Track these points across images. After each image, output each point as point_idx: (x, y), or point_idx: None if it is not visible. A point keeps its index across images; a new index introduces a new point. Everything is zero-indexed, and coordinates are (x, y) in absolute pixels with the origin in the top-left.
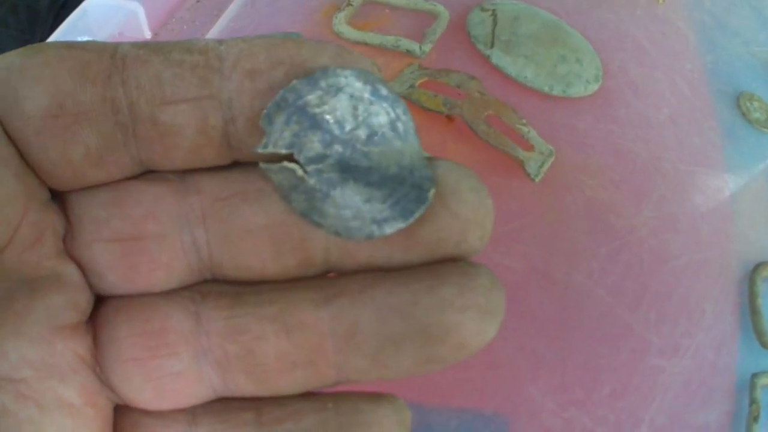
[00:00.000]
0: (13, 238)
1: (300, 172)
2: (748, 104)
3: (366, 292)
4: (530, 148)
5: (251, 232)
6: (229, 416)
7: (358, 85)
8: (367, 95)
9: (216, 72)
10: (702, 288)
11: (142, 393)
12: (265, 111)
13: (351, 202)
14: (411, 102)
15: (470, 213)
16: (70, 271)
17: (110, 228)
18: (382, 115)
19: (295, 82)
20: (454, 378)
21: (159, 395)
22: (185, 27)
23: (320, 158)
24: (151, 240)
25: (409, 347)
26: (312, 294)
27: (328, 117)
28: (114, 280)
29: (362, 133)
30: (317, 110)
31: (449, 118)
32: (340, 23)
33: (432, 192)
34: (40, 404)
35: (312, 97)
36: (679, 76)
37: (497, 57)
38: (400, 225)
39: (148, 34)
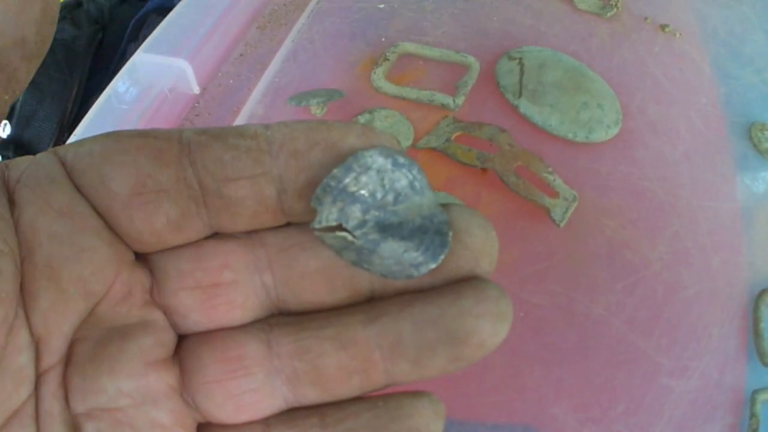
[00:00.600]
0: (107, 294)
1: (350, 238)
2: (760, 134)
3: (404, 311)
4: (555, 195)
5: (309, 275)
6: (298, 422)
7: (381, 160)
8: (389, 167)
9: (266, 153)
10: (710, 314)
11: (224, 409)
12: (314, 195)
13: (393, 254)
14: (448, 156)
15: (479, 245)
16: (156, 316)
17: (193, 278)
18: (403, 180)
19: (335, 171)
20: (487, 401)
21: (238, 409)
22: (231, 81)
23: (362, 224)
24: (227, 285)
25: (441, 350)
26: (360, 316)
27: (363, 192)
28: (197, 320)
29: (390, 198)
30: (354, 189)
31: (483, 171)
32: (379, 79)
33: (450, 235)
34: (135, 427)
35: (349, 180)
36: (695, 111)
37: (525, 107)
38: (432, 266)
39: (197, 89)
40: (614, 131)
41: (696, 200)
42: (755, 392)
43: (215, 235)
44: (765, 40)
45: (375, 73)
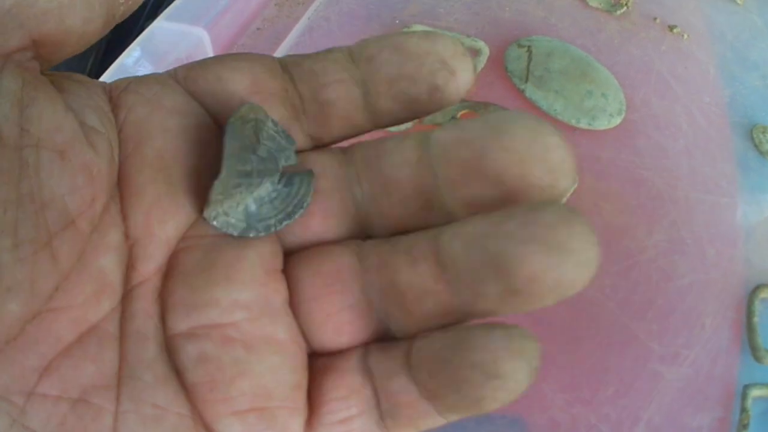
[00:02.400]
0: None
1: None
2: (761, 136)
3: (461, 227)
4: None
5: (388, 185)
6: (391, 351)
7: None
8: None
9: (350, 61)
10: (703, 305)
11: (324, 329)
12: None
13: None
14: None
15: (525, 147)
16: None
17: None
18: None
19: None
20: None
21: (338, 329)
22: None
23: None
24: (325, 193)
25: (490, 277)
26: (431, 233)
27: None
28: (297, 230)
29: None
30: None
31: None
32: None
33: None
34: (248, 344)
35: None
36: (697, 108)
37: (531, 91)
38: None
39: None
40: (617, 121)
41: (694, 192)
42: (746, 387)
43: (315, 148)
44: None
45: None
